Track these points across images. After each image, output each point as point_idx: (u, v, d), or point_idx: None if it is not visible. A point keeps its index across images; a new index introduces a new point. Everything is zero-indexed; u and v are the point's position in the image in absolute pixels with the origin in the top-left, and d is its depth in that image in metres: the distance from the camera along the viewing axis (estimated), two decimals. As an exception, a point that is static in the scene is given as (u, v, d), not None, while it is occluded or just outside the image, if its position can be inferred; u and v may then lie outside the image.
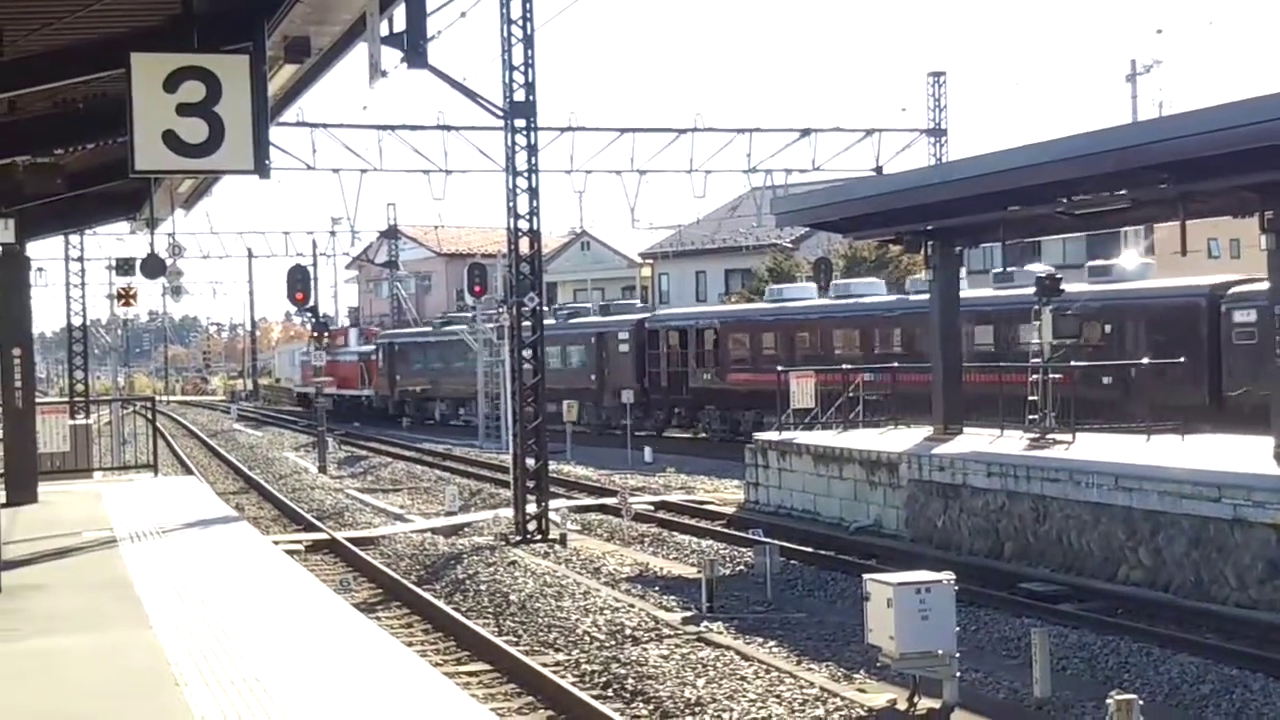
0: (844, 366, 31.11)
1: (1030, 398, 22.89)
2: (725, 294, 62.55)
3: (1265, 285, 26.91)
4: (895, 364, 31.55)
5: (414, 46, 12.22)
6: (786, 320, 41.79)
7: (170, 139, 9.00)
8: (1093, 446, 21.20)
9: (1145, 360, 25.97)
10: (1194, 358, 27.05)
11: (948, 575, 12.66)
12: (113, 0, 11.00)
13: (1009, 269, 34.52)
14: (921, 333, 33.80)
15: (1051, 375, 22.84)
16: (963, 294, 34.02)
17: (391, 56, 12.53)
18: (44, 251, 70.47)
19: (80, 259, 48.91)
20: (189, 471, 36.69)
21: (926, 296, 35.72)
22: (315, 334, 44.19)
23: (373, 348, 67.06)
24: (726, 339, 43.85)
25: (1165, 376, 25.66)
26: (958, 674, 12.50)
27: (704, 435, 44.85)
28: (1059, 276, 24.24)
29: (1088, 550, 18.46)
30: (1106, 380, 26.69)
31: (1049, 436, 22.26)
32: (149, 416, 28.97)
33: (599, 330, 50.02)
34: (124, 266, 43.10)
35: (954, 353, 25.93)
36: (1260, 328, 25.68)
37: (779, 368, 31.59)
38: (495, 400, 48.98)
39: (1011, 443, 22.54)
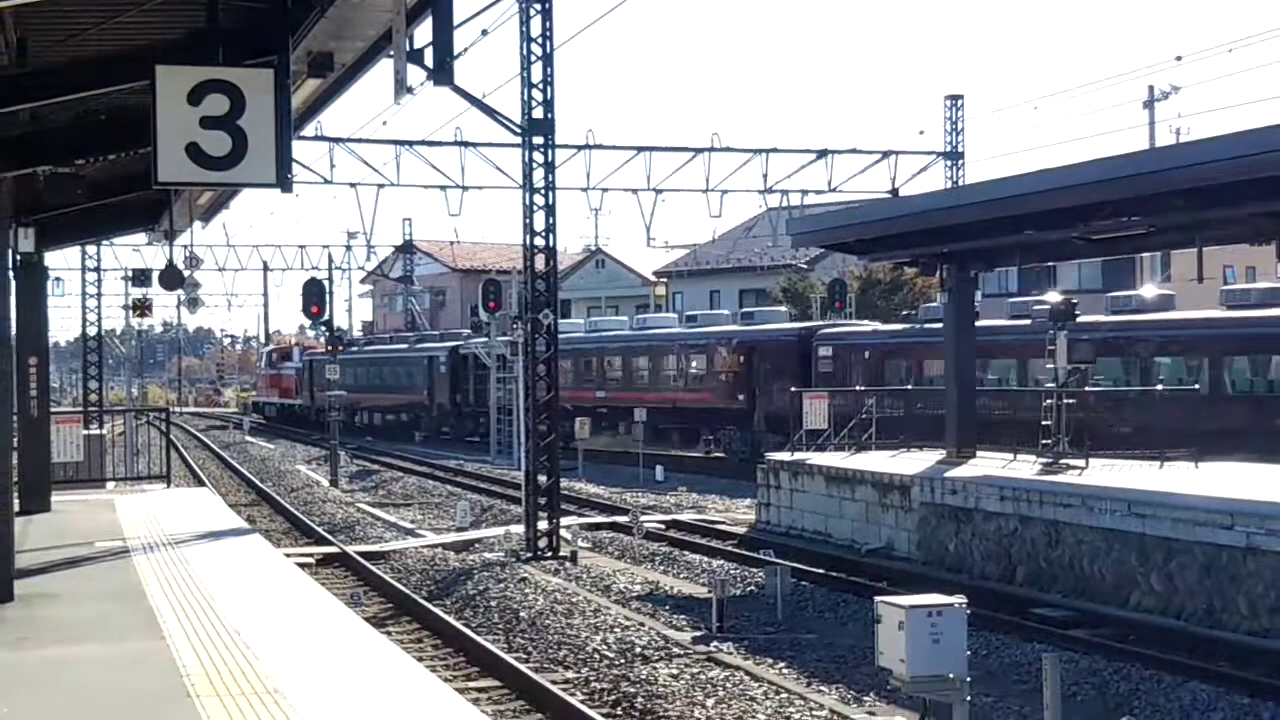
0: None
1: (1044, 422, 22.86)
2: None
3: (840, 329, 39.85)
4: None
5: (439, 64, 12.19)
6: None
7: (193, 151, 9.04)
8: (1106, 473, 21.16)
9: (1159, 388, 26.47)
10: (795, 380, 35.41)
11: (960, 599, 12.62)
12: (137, 13, 11.08)
13: (645, 314, 49.23)
14: (622, 360, 47.75)
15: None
16: (615, 331, 48.40)
17: (416, 73, 12.50)
18: (60, 261, 70.78)
19: (97, 269, 49.08)
20: (201, 483, 36.76)
21: (620, 330, 48.68)
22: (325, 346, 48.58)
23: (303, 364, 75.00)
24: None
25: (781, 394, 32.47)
26: (968, 698, 12.46)
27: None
28: (1075, 302, 24.25)
29: (1100, 576, 18.41)
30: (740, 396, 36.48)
31: (1062, 462, 22.23)
32: (162, 428, 29.06)
33: (429, 354, 60.57)
34: (140, 277, 43.38)
35: (968, 377, 25.83)
36: (834, 359, 38.25)
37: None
38: (403, 411, 62.99)
39: (1025, 468, 22.51)
